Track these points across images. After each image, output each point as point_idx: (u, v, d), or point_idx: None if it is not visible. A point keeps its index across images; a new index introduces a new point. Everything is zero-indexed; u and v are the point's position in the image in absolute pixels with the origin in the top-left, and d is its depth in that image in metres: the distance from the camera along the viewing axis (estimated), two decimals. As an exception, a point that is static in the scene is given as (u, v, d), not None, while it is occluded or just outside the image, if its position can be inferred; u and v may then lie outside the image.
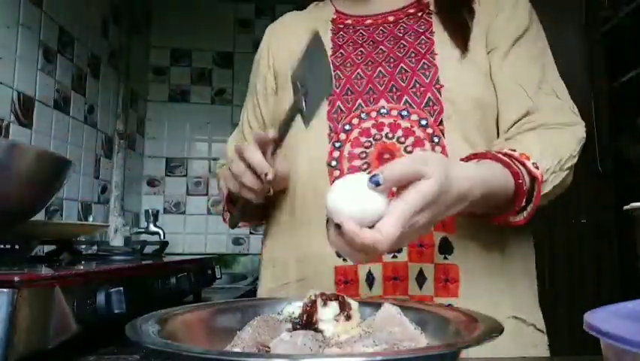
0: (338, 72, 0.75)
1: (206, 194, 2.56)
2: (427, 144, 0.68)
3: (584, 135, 0.71)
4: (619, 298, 0.38)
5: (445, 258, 0.67)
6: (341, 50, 0.78)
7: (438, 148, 0.68)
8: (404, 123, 0.69)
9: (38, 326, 0.52)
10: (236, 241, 2.55)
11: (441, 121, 0.69)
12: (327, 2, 0.89)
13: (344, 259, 0.67)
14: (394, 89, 0.72)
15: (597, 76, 2.18)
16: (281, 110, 0.74)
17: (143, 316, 0.42)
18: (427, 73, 0.71)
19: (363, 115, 0.71)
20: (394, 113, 0.70)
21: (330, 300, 0.45)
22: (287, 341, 0.39)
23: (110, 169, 2.04)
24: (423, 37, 0.75)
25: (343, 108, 0.72)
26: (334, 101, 0.73)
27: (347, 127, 0.71)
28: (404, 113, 0.70)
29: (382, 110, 0.71)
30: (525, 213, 0.63)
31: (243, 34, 2.66)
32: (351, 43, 0.79)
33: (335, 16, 0.84)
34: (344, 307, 0.45)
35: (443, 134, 0.69)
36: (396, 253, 0.66)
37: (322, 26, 0.81)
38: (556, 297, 2.05)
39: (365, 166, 0.68)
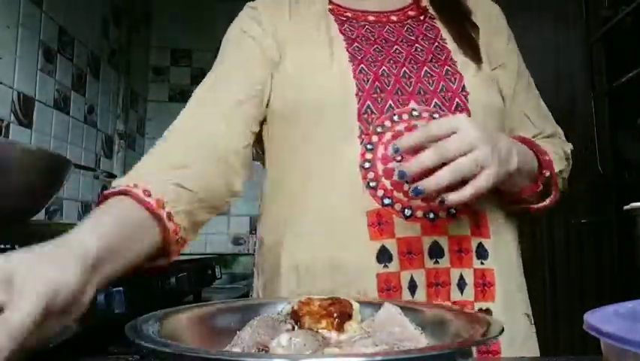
0: (363, 67, 0.70)
1: (206, 194, 2.56)
2: None
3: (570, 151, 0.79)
4: (619, 298, 0.38)
5: (482, 263, 0.67)
6: (356, 44, 0.73)
7: None
8: None
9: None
10: (236, 241, 2.55)
11: None
12: None
13: (385, 265, 0.64)
14: (422, 92, 0.70)
15: (597, 76, 2.18)
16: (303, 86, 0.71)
17: (143, 316, 0.42)
18: (453, 79, 0.71)
19: (395, 117, 0.68)
20: (426, 115, 0.68)
21: (298, 319, 0.44)
22: (287, 341, 0.39)
23: (110, 169, 2.04)
24: (437, 43, 0.75)
25: (374, 109, 0.68)
26: (364, 99, 0.68)
27: (379, 129, 0.67)
28: (435, 115, 0.68)
29: (414, 113, 0.68)
30: (547, 200, 0.71)
31: (243, 34, 2.66)
32: (363, 39, 0.74)
33: (331, 7, 0.78)
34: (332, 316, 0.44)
35: None
36: (438, 259, 0.65)
37: (320, 13, 0.77)
38: (557, 297, 2.05)
39: None
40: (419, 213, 0.65)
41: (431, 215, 0.65)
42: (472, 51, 0.75)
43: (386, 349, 0.39)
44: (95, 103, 1.90)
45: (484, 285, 0.67)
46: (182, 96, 2.59)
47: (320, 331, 0.43)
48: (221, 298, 1.40)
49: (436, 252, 0.65)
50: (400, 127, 0.67)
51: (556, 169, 0.71)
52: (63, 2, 1.61)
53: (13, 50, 1.34)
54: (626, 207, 0.58)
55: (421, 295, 0.64)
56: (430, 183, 0.53)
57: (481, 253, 0.68)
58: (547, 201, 0.72)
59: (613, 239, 2.09)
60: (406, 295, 0.64)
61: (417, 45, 0.75)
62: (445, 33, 0.77)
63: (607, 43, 2.18)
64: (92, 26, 1.87)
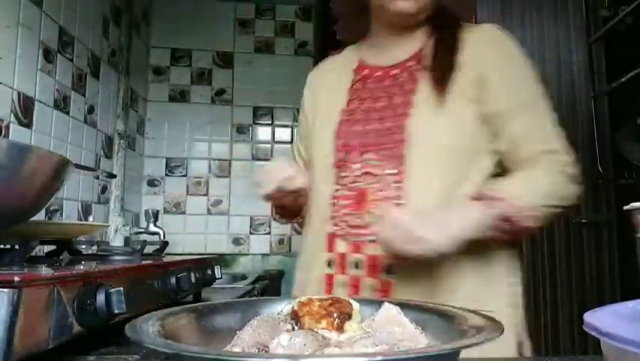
0: (344, 127, 0.91)
1: (206, 194, 2.56)
2: (385, 191, 0.84)
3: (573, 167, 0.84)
4: (619, 298, 0.38)
5: (386, 276, 0.86)
6: (350, 105, 0.94)
7: (395, 192, 0.83)
8: (375, 171, 0.86)
9: (38, 326, 0.52)
10: (237, 241, 2.55)
11: (401, 171, 0.83)
12: (358, 46, 1.02)
13: (330, 268, 0.91)
14: (375, 145, 0.86)
15: (597, 76, 2.18)
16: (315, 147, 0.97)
17: (143, 316, 0.42)
18: (400, 128, 0.85)
19: (354, 165, 0.88)
20: (374, 163, 0.86)
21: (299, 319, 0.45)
22: (287, 341, 0.39)
23: (110, 169, 2.04)
24: (409, 88, 0.88)
25: (346, 159, 0.89)
26: (339, 150, 0.90)
27: (343, 174, 0.89)
28: (375, 163, 0.86)
29: (369, 161, 0.86)
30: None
31: (243, 34, 2.66)
32: (357, 99, 0.94)
33: (356, 65, 0.98)
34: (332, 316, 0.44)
35: (404, 180, 0.83)
36: (356, 270, 0.88)
37: (345, 76, 0.98)
38: (557, 297, 2.05)
39: (348, 205, 0.88)
40: (351, 238, 0.87)
41: (360, 238, 0.85)
42: (442, 92, 0.84)
43: (386, 349, 0.39)
44: (95, 103, 1.90)
45: (383, 293, 0.83)
46: (182, 96, 2.59)
47: (320, 331, 0.43)
48: (221, 298, 1.40)
49: (356, 265, 0.86)
50: (358, 172, 0.87)
51: (530, 203, 0.76)
52: (63, 2, 1.61)
53: (13, 50, 1.34)
54: (626, 207, 0.58)
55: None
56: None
57: (388, 270, 0.82)
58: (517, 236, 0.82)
59: (613, 239, 2.09)
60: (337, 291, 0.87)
61: (391, 97, 0.89)
62: (421, 79, 0.88)
63: (607, 43, 2.18)
64: (92, 26, 1.87)
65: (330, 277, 0.88)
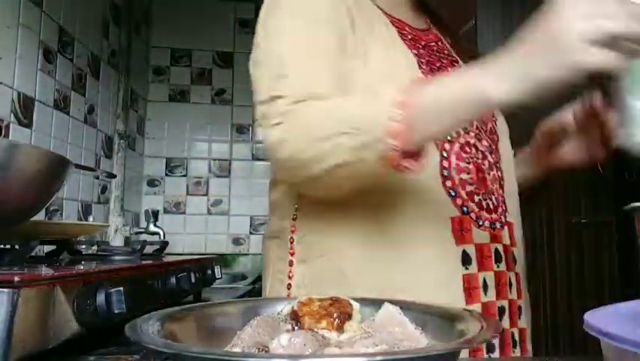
0: (430, 77, 0.72)
1: (206, 194, 2.56)
2: (494, 169, 0.75)
3: None
4: (619, 298, 0.38)
5: (515, 267, 0.76)
6: (421, 61, 0.73)
7: (499, 173, 0.76)
8: (480, 146, 0.75)
9: (38, 326, 0.52)
10: (237, 241, 2.55)
11: (497, 149, 0.78)
12: None
13: (466, 268, 0.68)
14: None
15: (597, 76, 2.17)
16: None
17: (143, 316, 0.42)
18: None
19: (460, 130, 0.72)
20: (472, 134, 0.74)
21: (298, 319, 0.45)
22: (287, 341, 0.39)
23: (110, 169, 2.04)
24: (461, 70, 0.80)
25: None
26: None
27: (449, 137, 0.70)
28: (478, 136, 0.75)
29: (465, 129, 0.73)
30: None
31: (243, 34, 2.66)
32: (426, 57, 0.75)
33: (388, 19, 0.75)
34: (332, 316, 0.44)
35: (500, 161, 0.77)
36: (499, 263, 0.72)
37: (386, 29, 0.73)
38: (557, 297, 2.05)
39: (471, 181, 0.71)
40: (487, 224, 0.72)
41: (492, 225, 0.72)
42: None
43: (386, 349, 0.39)
44: (95, 103, 1.90)
45: (518, 286, 0.76)
46: (182, 96, 2.59)
47: (320, 331, 0.43)
48: (221, 298, 1.40)
49: (497, 257, 0.72)
50: (463, 140, 0.72)
51: None
52: (63, 2, 1.61)
53: (13, 50, 1.34)
54: (626, 207, 0.58)
55: (491, 294, 0.70)
56: None
57: (515, 259, 0.76)
58: None
59: (613, 239, 2.09)
60: (482, 295, 0.69)
61: (457, 64, 0.80)
62: (460, 62, 0.82)
63: (607, 43, 2.17)
64: (92, 26, 1.87)
65: (469, 278, 0.69)
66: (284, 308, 0.48)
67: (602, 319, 0.31)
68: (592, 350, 0.38)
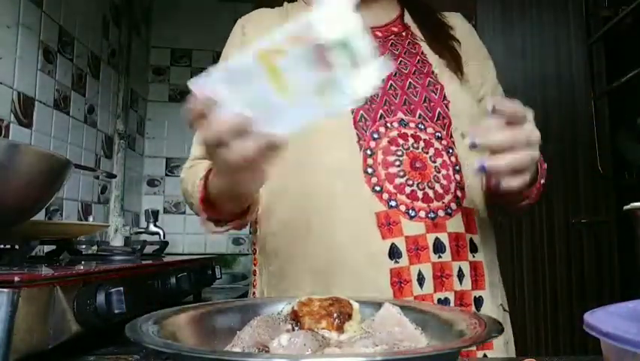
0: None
1: (206, 194, 2.56)
2: (445, 155, 0.74)
3: None
4: (619, 298, 0.38)
5: (474, 256, 0.73)
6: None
7: (452, 158, 0.75)
8: (423, 135, 0.74)
9: (38, 326, 0.52)
10: (237, 241, 2.55)
11: (450, 134, 0.75)
12: (301, 4, 0.88)
13: (396, 261, 0.68)
14: (407, 103, 0.76)
15: (597, 76, 2.17)
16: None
17: (143, 316, 0.42)
18: (435, 90, 0.77)
19: (388, 125, 0.73)
20: (412, 125, 0.74)
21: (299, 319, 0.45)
22: (287, 341, 0.39)
23: (110, 169, 2.04)
24: (418, 57, 0.81)
25: (367, 118, 0.73)
26: (357, 110, 0.73)
27: (375, 135, 0.72)
28: (420, 126, 0.75)
29: (402, 122, 0.74)
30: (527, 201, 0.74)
31: (243, 34, 2.66)
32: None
33: None
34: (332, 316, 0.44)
35: (455, 146, 0.75)
36: (441, 254, 0.70)
37: None
38: (557, 297, 2.05)
39: (402, 173, 0.71)
40: (422, 214, 0.70)
41: (431, 215, 0.71)
42: (455, 62, 0.81)
43: (386, 349, 0.39)
44: (95, 103, 1.90)
45: (476, 275, 0.73)
46: (182, 96, 2.59)
47: (320, 331, 0.43)
48: (221, 298, 1.40)
49: (438, 247, 0.70)
50: (394, 133, 0.73)
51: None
52: (63, 2, 1.61)
53: (13, 50, 1.34)
54: (626, 207, 0.58)
55: (428, 287, 0.69)
56: (499, 164, 0.55)
57: (473, 247, 0.73)
58: (528, 201, 0.75)
59: (613, 239, 2.09)
60: (415, 288, 0.68)
61: (401, 59, 0.80)
62: (425, 49, 0.82)
63: (607, 43, 2.18)
64: (92, 26, 1.87)
65: (399, 272, 0.70)
66: (284, 308, 0.48)
67: (602, 319, 0.31)
68: (592, 350, 0.38)
